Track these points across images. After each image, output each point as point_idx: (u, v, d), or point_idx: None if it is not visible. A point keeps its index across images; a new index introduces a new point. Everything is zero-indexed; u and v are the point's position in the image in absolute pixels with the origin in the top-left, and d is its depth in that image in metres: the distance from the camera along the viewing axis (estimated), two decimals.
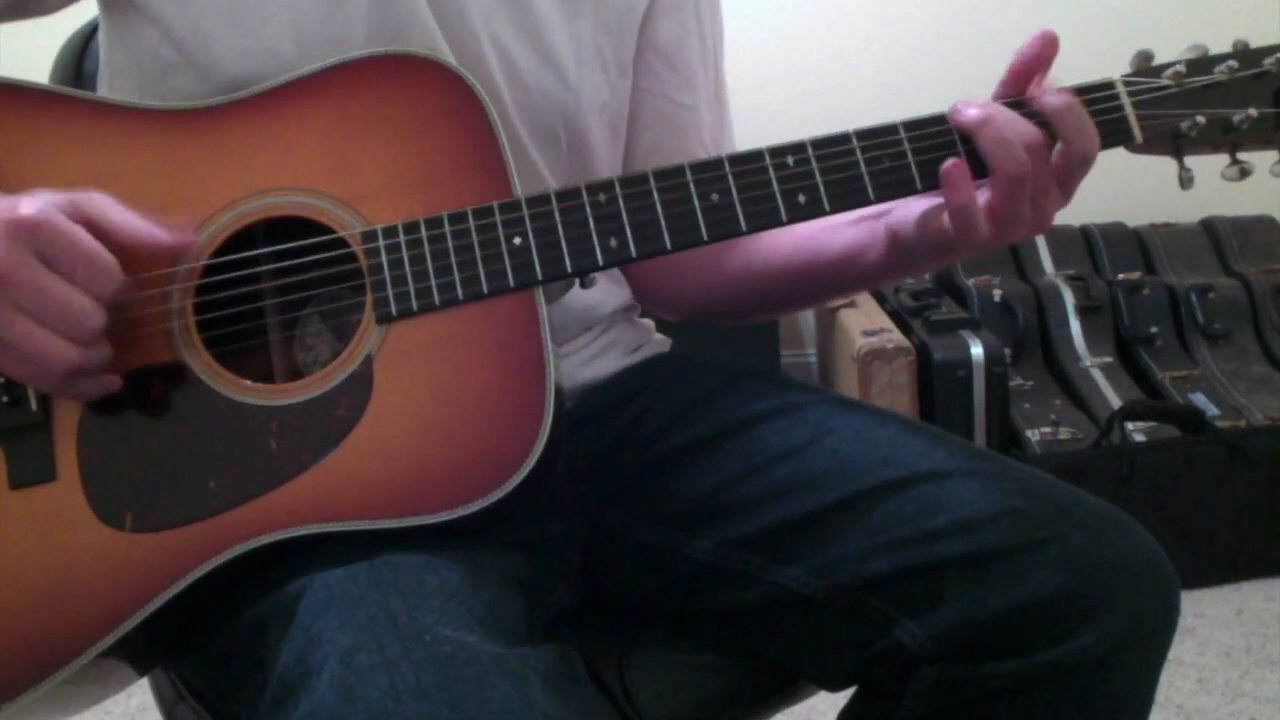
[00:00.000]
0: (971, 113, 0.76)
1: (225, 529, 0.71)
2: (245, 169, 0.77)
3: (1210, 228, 2.51)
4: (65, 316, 0.69)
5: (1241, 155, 0.80)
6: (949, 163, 0.76)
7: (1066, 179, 0.77)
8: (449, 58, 0.80)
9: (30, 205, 0.68)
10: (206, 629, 0.76)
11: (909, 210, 0.81)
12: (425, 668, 0.60)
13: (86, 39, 1.05)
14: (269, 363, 0.80)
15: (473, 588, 0.68)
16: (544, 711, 0.61)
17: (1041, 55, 0.77)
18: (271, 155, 0.77)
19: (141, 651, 0.76)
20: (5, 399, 0.75)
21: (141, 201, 0.76)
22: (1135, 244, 2.48)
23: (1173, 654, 0.80)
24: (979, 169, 0.76)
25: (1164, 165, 0.82)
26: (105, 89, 0.89)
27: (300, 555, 0.70)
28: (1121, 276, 2.40)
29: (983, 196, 0.76)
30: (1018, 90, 0.78)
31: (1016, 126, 0.75)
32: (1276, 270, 2.41)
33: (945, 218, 0.77)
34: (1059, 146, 0.76)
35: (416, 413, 0.73)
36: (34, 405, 0.75)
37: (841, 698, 0.88)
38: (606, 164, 0.94)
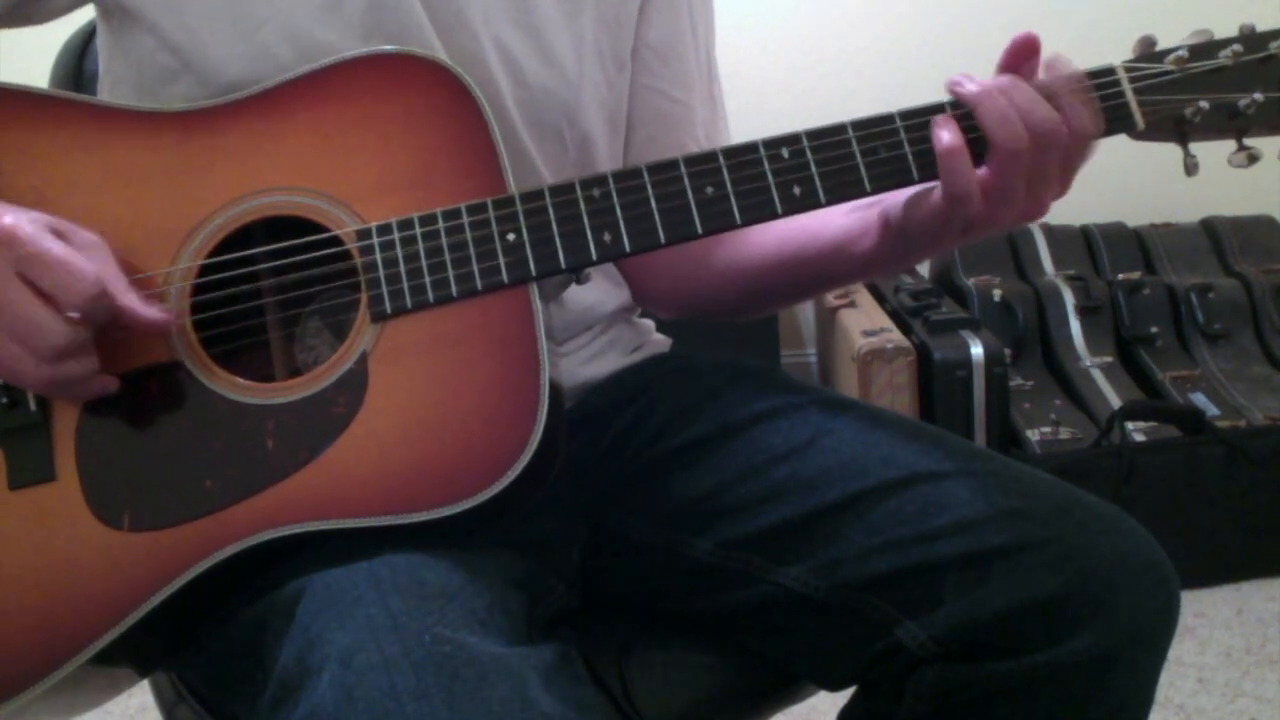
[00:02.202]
0: (971, 87, 0.75)
1: (222, 527, 0.71)
2: (242, 169, 0.77)
3: (1210, 228, 2.50)
4: (30, 333, 0.68)
5: (1248, 141, 0.78)
6: (939, 116, 0.75)
7: (1065, 161, 0.75)
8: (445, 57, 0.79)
9: (9, 216, 0.69)
10: (206, 629, 0.76)
11: (901, 195, 0.80)
12: (425, 668, 0.60)
13: (87, 38, 1.05)
14: (269, 362, 0.80)
15: (473, 588, 0.68)
16: (543, 711, 0.61)
17: (1024, 53, 0.76)
18: (268, 155, 0.77)
19: (141, 651, 0.76)
20: (4, 400, 0.75)
21: (140, 203, 0.76)
22: (1135, 244, 2.48)
23: (1173, 654, 0.80)
24: (976, 154, 0.75)
25: (1164, 165, 0.81)
26: (105, 95, 0.89)
27: (299, 555, 0.70)
28: (1121, 276, 2.40)
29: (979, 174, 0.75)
30: None
31: (1022, 101, 0.73)
32: (1276, 270, 2.40)
33: (937, 193, 0.76)
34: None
35: (412, 410, 0.73)
36: (33, 406, 0.75)
37: (841, 698, 0.88)
38: (607, 160, 0.94)
